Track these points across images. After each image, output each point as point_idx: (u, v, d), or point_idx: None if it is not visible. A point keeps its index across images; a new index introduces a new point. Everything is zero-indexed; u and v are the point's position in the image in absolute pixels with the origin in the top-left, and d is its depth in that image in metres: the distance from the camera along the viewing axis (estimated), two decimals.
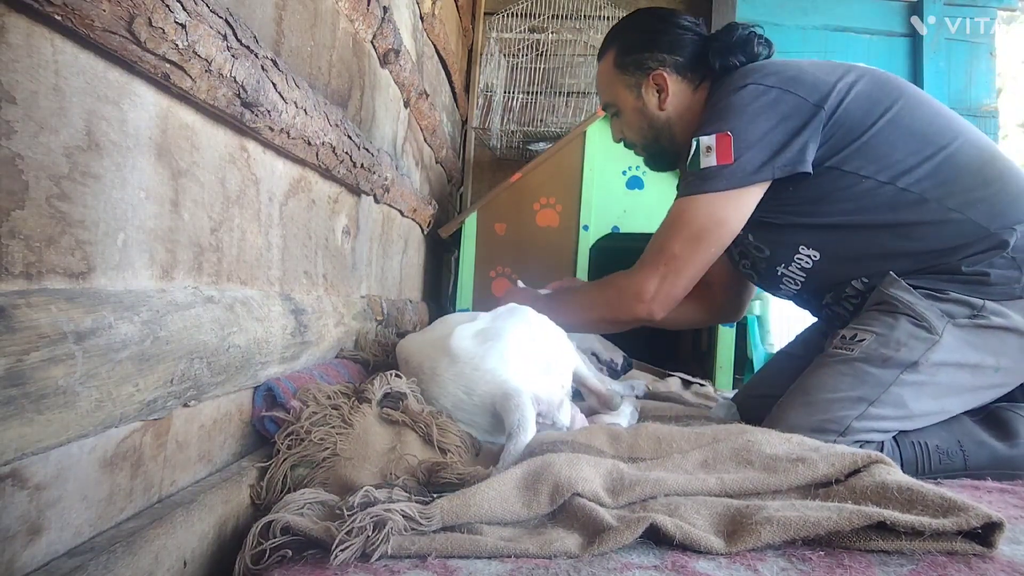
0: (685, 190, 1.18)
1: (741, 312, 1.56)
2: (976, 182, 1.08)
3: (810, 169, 1.10)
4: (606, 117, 2.13)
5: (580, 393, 1.26)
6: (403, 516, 0.64)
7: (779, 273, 1.24)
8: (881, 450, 1.03)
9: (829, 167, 1.11)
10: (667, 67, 1.29)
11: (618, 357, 1.47)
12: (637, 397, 1.44)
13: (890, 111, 1.11)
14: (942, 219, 1.07)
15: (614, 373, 1.47)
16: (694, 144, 1.16)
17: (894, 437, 1.05)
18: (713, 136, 1.13)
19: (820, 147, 1.11)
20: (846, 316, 1.20)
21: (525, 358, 1.05)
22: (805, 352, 1.32)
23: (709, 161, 1.13)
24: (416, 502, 0.68)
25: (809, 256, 1.18)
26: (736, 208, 1.14)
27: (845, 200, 1.12)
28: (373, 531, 0.62)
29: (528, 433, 0.91)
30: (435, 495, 0.70)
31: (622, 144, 1.44)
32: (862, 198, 1.10)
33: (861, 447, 1.03)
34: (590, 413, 1.21)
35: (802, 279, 1.22)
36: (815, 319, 1.41)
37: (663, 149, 1.36)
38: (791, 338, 1.52)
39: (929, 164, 1.09)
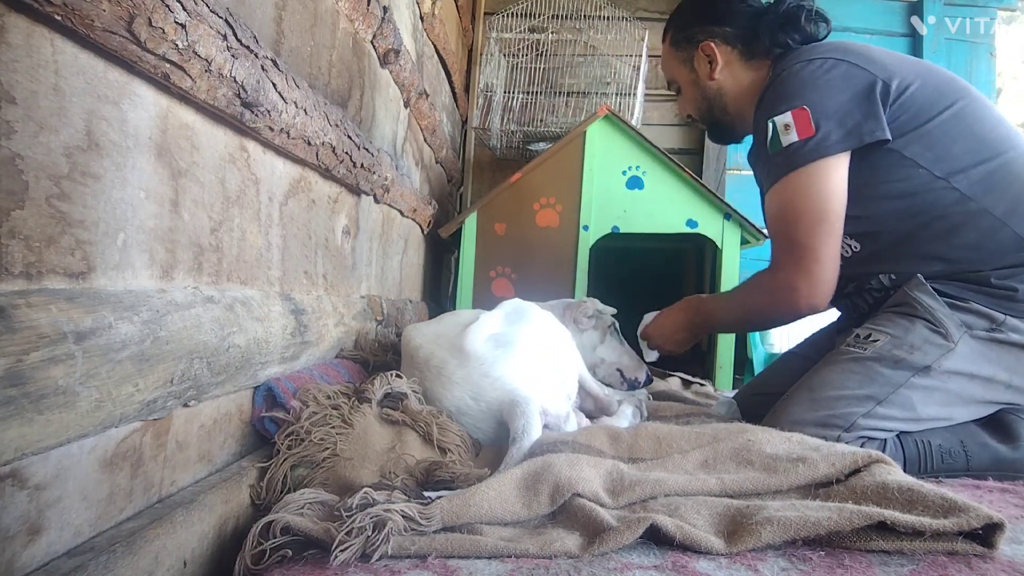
0: (776, 173, 1.16)
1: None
2: None
3: (889, 136, 1.08)
4: (607, 117, 2.14)
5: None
6: (403, 516, 0.64)
7: None
8: (884, 448, 1.03)
9: (890, 149, 1.10)
10: (716, 38, 1.30)
11: (642, 375, 1.48)
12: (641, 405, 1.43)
13: (955, 106, 1.10)
14: (987, 226, 1.06)
15: (634, 389, 1.48)
16: (770, 127, 1.14)
17: (897, 435, 1.05)
18: (788, 113, 1.11)
19: (887, 122, 1.09)
20: (864, 308, 1.20)
21: (537, 368, 1.04)
22: (813, 354, 1.31)
23: (790, 138, 1.11)
24: (414, 503, 0.68)
25: (850, 246, 1.17)
26: (833, 177, 1.11)
27: (899, 190, 1.10)
28: (373, 531, 0.62)
29: (532, 439, 0.91)
30: (432, 496, 0.70)
31: (688, 120, 1.47)
32: (915, 191, 1.09)
33: (864, 444, 1.03)
34: (589, 417, 1.21)
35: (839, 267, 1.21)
36: (824, 323, 1.41)
37: (717, 120, 1.38)
38: (791, 339, 1.52)
39: (984, 168, 1.08)
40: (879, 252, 1.15)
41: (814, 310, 1.18)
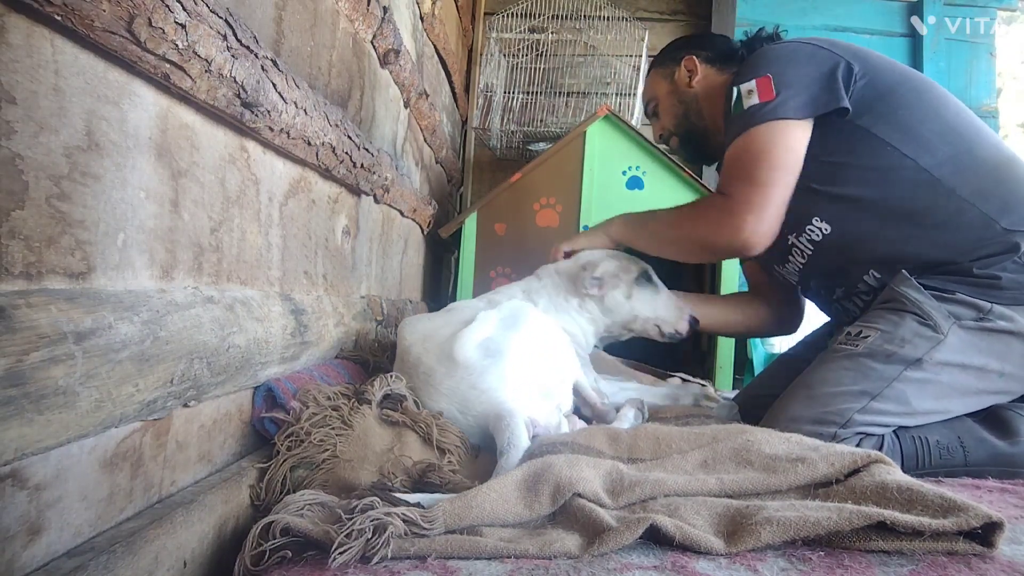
0: (735, 131, 1.20)
1: (798, 323, 1.55)
2: (992, 177, 1.10)
3: (848, 104, 1.13)
4: (606, 117, 2.14)
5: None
6: (403, 520, 0.64)
7: (789, 243, 1.24)
8: (881, 444, 1.04)
9: (858, 126, 1.14)
10: (699, 57, 1.43)
11: (683, 326, 1.39)
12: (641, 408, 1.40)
13: (918, 92, 1.16)
14: (954, 207, 1.08)
15: (675, 341, 1.44)
16: (734, 92, 1.20)
17: (894, 431, 1.06)
18: (752, 80, 1.17)
19: (851, 100, 1.14)
20: (856, 313, 1.21)
21: (526, 379, 1.02)
22: (810, 355, 1.32)
23: (752, 101, 1.17)
24: (413, 507, 0.68)
25: (820, 229, 1.19)
26: (792, 136, 1.15)
27: (866, 168, 1.13)
28: (373, 535, 0.62)
29: (519, 451, 0.88)
30: (425, 503, 0.70)
31: (663, 144, 1.56)
32: (883, 170, 1.12)
33: (861, 440, 1.04)
34: (588, 423, 1.19)
35: (809, 252, 1.23)
36: (822, 321, 1.42)
37: (692, 126, 1.45)
38: (791, 339, 1.52)
39: (950, 149, 1.11)
40: (852, 236, 1.16)
41: (748, 250, 1.22)
